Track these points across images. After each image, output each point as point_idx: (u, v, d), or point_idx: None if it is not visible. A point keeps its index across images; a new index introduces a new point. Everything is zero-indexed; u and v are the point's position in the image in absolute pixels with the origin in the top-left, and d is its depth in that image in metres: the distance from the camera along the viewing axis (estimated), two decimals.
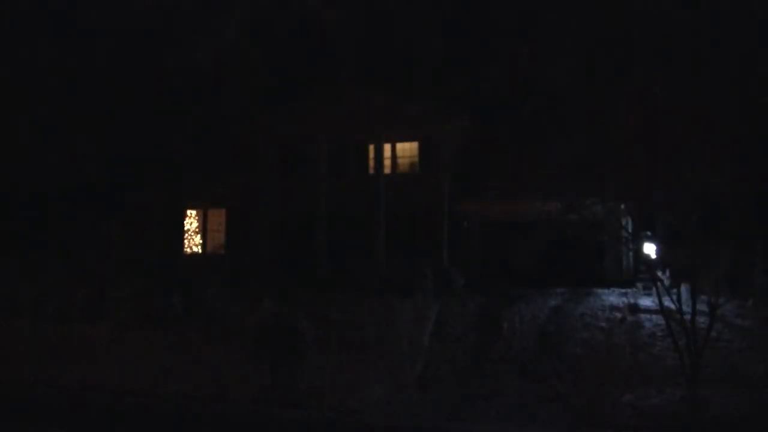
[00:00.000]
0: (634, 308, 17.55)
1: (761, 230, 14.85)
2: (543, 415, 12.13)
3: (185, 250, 25.78)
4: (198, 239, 26.65)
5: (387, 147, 24.13)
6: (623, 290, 19.90)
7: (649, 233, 15.80)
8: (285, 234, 24.59)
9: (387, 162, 24.15)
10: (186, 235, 25.49)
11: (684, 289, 13.70)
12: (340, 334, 16.30)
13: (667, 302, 13.29)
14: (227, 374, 14.14)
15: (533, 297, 19.46)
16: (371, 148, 24.11)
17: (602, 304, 18.62)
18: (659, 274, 15.11)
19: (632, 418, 11.71)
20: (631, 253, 20.85)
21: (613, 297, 19.35)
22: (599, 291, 20.10)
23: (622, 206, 14.62)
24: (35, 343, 16.75)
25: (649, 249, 16.38)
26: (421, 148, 24.19)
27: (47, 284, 20.32)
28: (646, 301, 17.95)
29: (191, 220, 26.44)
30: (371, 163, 24.23)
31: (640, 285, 20.07)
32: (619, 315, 17.25)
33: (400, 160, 24.50)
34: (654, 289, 13.99)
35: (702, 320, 13.23)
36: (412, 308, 18.02)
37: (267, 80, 24.74)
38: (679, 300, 13.01)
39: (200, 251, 26.44)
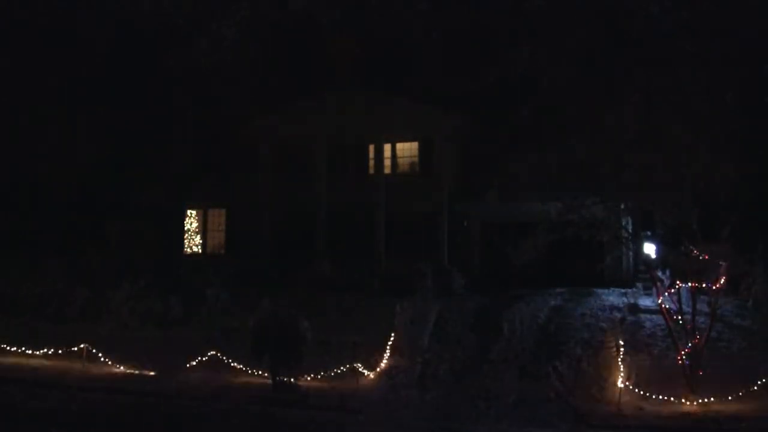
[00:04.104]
0: (634, 308, 17.54)
1: (761, 230, 14.85)
2: (543, 415, 12.13)
3: (185, 250, 25.77)
4: (198, 239, 26.64)
5: (387, 147, 24.11)
6: (623, 290, 19.88)
7: (649, 233, 15.80)
8: (285, 234, 24.57)
9: (387, 162, 24.13)
10: (186, 235, 25.48)
11: (684, 289, 13.71)
12: (340, 334, 16.30)
13: (667, 302, 13.29)
14: (227, 374, 14.15)
15: (533, 297, 19.43)
16: (371, 148, 24.10)
17: (602, 304, 18.60)
18: (659, 274, 15.11)
19: (632, 418, 11.71)
20: (631, 253, 20.84)
21: (613, 297, 19.33)
22: (599, 291, 20.08)
23: (622, 206, 14.62)
24: (35, 343, 16.74)
25: (649, 249, 16.38)
26: (421, 148, 24.17)
27: (47, 284, 20.30)
28: (646, 301, 17.94)
29: (191, 220, 26.43)
30: (371, 163, 24.21)
31: (640, 285, 20.06)
32: (619, 315, 17.23)
33: (400, 160, 24.49)
34: (654, 289, 13.99)
35: (702, 320, 13.25)
36: (412, 308, 18.02)
37: (267, 80, 24.75)
38: (679, 300, 13.02)
39: (200, 251, 26.43)
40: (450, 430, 11.63)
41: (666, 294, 13.48)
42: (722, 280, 13.66)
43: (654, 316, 16.27)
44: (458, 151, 24.09)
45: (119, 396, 13.55)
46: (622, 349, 13.66)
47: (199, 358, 14.96)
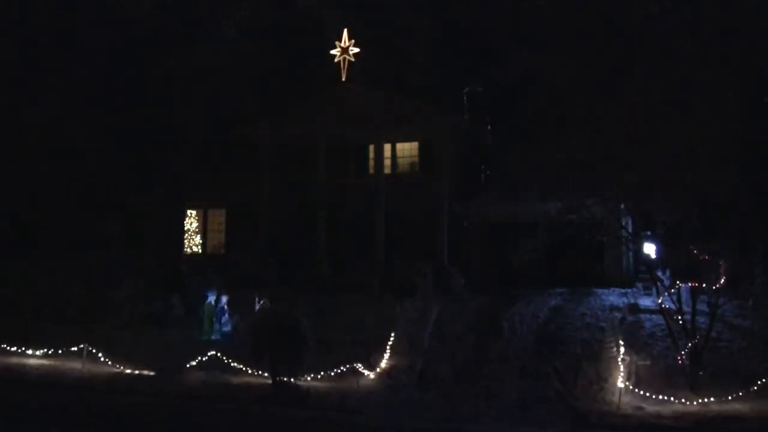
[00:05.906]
0: (634, 308, 17.55)
1: (761, 230, 14.87)
2: (543, 415, 12.13)
3: (185, 250, 25.78)
4: (198, 239, 26.65)
5: (387, 147, 24.12)
6: (623, 290, 19.90)
7: (649, 233, 15.80)
8: (285, 234, 24.58)
9: (387, 162, 24.14)
10: (186, 235, 25.49)
11: (684, 289, 13.70)
12: (340, 334, 16.29)
13: (667, 302, 13.30)
14: (227, 374, 14.15)
15: (533, 297, 19.45)
16: (371, 148, 24.11)
17: (602, 304, 18.61)
18: (659, 274, 15.12)
19: (632, 418, 11.71)
20: (631, 253, 20.84)
21: (613, 297, 19.35)
22: (599, 291, 20.09)
23: (622, 206, 14.63)
24: (35, 343, 16.73)
25: (649, 249, 16.39)
26: (421, 148, 24.18)
27: (47, 284, 20.29)
28: (646, 301, 17.95)
29: (191, 220, 26.43)
30: (371, 163, 24.22)
31: (640, 285, 20.06)
32: (619, 315, 17.24)
33: (400, 160, 24.50)
34: (654, 289, 14.00)
35: (702, 320, 13.25)
36: (412, 308, 18.01)
37: (267, 80, 24.76)
38: (679, 300, 13.02)
39: (200, 251, 26.44)
40: (450, 430, 11.63)
41: (666, 294, 13.47)
42: (722, 280, 13.65)
43: (654, 316, 16.27)
44: (458, 151, 24.09)
45: (119, 396, 13.55)
46: (622, 349, 13.66)
47: (199, 358, 14.95)
